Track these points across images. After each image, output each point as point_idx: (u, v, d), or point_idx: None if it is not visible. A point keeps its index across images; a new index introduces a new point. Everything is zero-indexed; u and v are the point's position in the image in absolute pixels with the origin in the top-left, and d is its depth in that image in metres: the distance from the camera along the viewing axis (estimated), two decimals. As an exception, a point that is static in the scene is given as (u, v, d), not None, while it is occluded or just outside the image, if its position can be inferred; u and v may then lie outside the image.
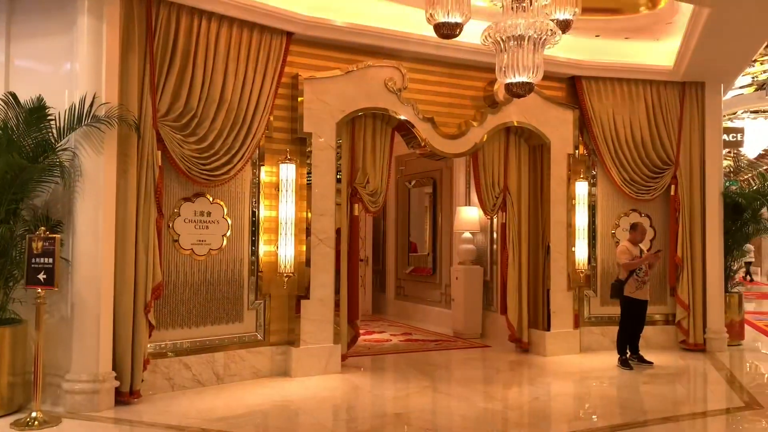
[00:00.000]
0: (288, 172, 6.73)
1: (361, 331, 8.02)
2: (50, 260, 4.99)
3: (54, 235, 5.08)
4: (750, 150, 15.23)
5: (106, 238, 5.44)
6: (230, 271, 6.52)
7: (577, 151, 8.32)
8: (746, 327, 9.30)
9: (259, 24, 6.41)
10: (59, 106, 5.35)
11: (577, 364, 7.64)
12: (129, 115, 5.55)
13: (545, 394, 6.49)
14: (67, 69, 5.57)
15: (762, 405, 5.91)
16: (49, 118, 5.34)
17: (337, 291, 6.90)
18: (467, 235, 9.68)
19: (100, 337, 5.36)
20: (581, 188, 8.37)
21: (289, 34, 6.65)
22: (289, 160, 6.74)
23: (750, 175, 20.16)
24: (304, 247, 6.81)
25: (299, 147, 6.87)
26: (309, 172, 6.83)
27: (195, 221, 6.31)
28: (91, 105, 5.33)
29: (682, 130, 8.50)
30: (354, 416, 5.65)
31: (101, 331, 5.37)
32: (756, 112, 13.99)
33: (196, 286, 6.31)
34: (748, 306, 10.67)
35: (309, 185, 6.82)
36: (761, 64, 10.80)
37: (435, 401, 6.20)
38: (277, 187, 6.74)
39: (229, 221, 6.52)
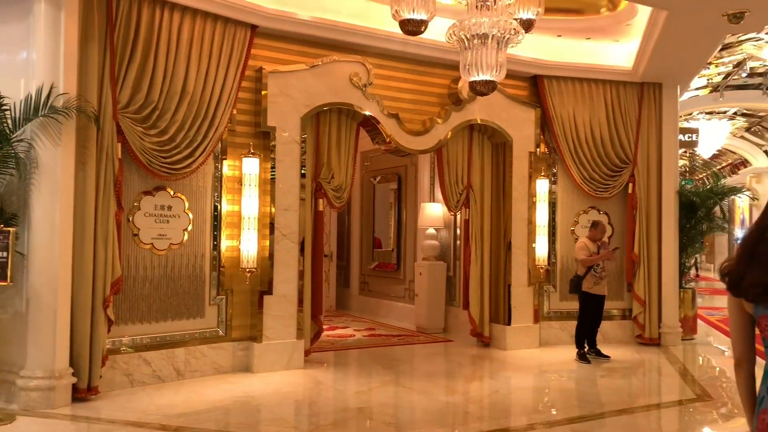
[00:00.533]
0: (251, 166, 6.68)
1: (324, 327, 8.02)
2: (4, 254, 4.87)
3: (8, 229, 4.95)
4: (704, 150, 15.67)
5: (63, 231, 5.32)
6: (191, 266, 6.45)
7: (538, 150, 8.45)
8: (699, 322, 9.59)
9: (223, 16, 6.34)
10: (15, 95, 5.21)
11: (536, 358, 7.79)
12: (88, 106, 5.43)
13: (505, 387, 6.60)
14: (24, 58, 5.42)
15: (712, 397, 6.12)
16: (4, 108, 5.19)
17: (300, 286, 6.89)
18: (431, 231, 9.75)
19: (56, 332, 5.25)
20: (542, 186, 8.51)
21: (253, 27, 6.60)
22: (252, 154, 6.69)
23: (704, 174, 20.79)
24: (267, 243, 6.77)
25: (263, 141, 6.83)
26: (273, 167, 6.79)
27: (155, 215, 6.22)
28: (49, 95, 5.20)
29: (640, 129, 8.71)
30: (316, 411, 5.66)
31: (58, 327, 5.26)
32: (711, 113, 14.39)
33: (157, 281, 6.22)
34: (701, 301, 10.99)
35: (273, 180, 6.78)
36: (716, 66, 11.12)
37: (397, 395, 6.25)
38: (240, 181, 6.69)
39: (191, 215, 6.44)
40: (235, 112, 6.58)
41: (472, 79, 5.51)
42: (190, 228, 6.43)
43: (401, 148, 7.66)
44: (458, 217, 9.15)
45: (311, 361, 7.10)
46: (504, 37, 5.29)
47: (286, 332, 6.77)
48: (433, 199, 9.97)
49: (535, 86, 8.54)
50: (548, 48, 8.21)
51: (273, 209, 6.77)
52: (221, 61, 6.35)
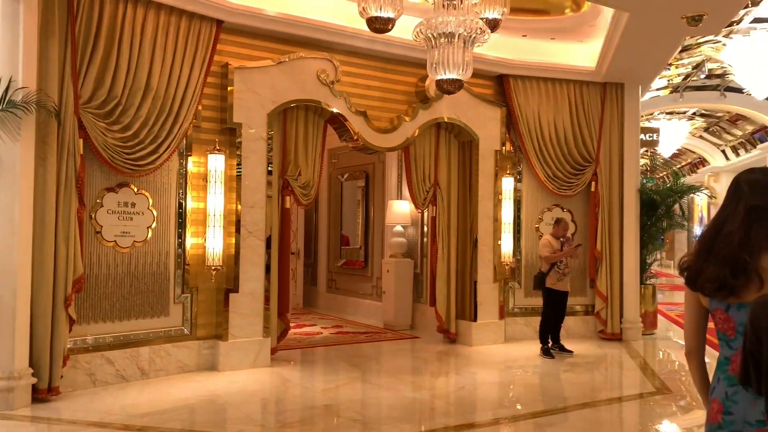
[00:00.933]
0: (217, 162, 6.62)
1: (291, 325, 8.00)
2: (-40, 252, 4.73)
3: (-35, 226, 4.81)
4: (665, 149, 16.04)
5: (23, 228, 5.20)
6: (156, 263, 6.36)
7: (504, 148, 8.55)
8: (659, 317, 9.84)
9: (188, 11, 6.27)
10: (-29, 89, 5.07)
11: (502, 354, 7.89)
12: (48, 100, 5.32)
13: (471, 383, 6.67)
14: (-20, 50, 5.28)
15: (671, 390, 6.28)
16: (-40, 101, 5.05)
17: (267, 284, 6.85)
18: (399, 228, 9.79)
19: (15, 332, 5.12)
20: (507, 184, 8.62)
21: (219, 22, 6.53)
22: (218, 150, 6.62)
23: (665, 173, 21.28)
24: (233, 240, 6.72)
25: (229, 137, 6.77)
26: (239, 164, 6.74)
27: (118, 212, 6.12)
28: (7, 89, 5.08)
29: (603, 129, 8.88)
30: (283, 409, 5.64)
31: (17, 326, 5.14)
32: (671, 113, 14.74)
33: (120, 279, 6.12)
34: (661, 297, 11.27)
35: (239, 177, 6.73)
36: (676, 68, 11.38)
37: (364, 392, 6.27)
38: (205, 178, 6.62)
39: (155, 213, 6.35)
40: (200, 108, 6.51)
41: (439, 77, 5.55)
42: (154, 225, 6.34)
43: (369, 146, 7.68)
44: (425, 214, 9.21)
45: (278, 359, 7.07)
46: (470, 37, 5.34)
47: (252, 330, 6.73)
48: (400, 196, 10.01)
49: (501, 85, 8.64)
50: (514, 48, 8.31)
51: (239, 206, 6.72)
52: (186, 56, 6.28)
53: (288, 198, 7.20)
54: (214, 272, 6.58)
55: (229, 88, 6.68)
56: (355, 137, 7.50)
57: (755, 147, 14.87)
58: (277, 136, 7.07)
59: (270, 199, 6.92)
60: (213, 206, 6.61)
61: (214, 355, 6.61)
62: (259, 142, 6.83)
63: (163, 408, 5.36)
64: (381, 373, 7.20)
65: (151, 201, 6.33)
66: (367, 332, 9.26)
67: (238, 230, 6.72)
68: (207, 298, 6.66)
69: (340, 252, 11.53)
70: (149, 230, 6.31)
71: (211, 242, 6.58)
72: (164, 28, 6.13)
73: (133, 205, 6.22)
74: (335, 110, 7.26)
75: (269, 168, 6.92)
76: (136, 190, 6.23)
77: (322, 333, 9.17)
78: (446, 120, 8.15)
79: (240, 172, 6.73)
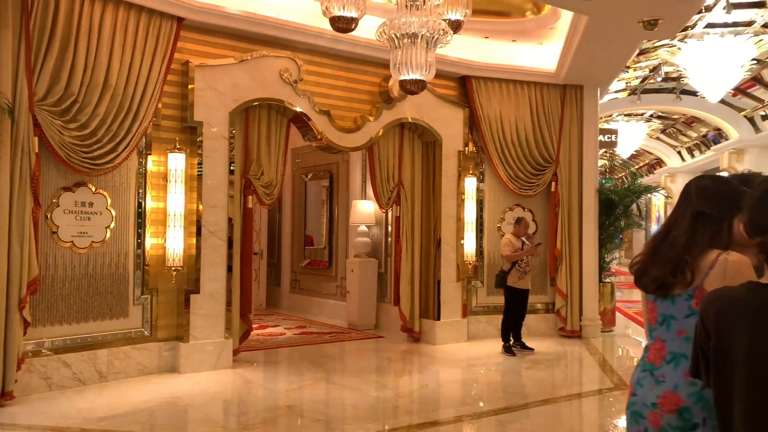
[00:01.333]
0: (177, 162, 6.52)
1: (254, 326, 7.93)
2: None
3: None
4: (623, 150, 16.41)
5: (-27, 229, 5.04)
6: (114, 264, 6.24)
7: (466, 148, 8.64)
8: (617, 314, 10.05)
9: (147, 7, 6.16)
10: None
11: (464, 352, 7.97)
12: (1, 97, 5.16)
13: (434, 381, 6.72)
14: (-72, 45, 5.10)
15: (629, 385, 6.42)
16: None
17: (229, 285, 6.79)
18: (363, 228, 9.80)
19: (-34, 336, 4.97)
20: (470, 184, 8.71)
21: (180, 20, 6.44)
22: (178, 149, 6.53)
23: (623, 173, 21.75)
24: (194, 240, 6.63)
25: (189, 136, 6.68)
26: (200, 163, 6.65)
27: (75, 212, 5.98)
28: (-43, 85, 4.92)
29: (563, 130, 9.04)
30: (245, 410, 5.59)
31: (-32, 330, 4.98)
32: (629, 115, 15.07)
33: (77, 280, 5.98)
34: (620, 295, 11.52)
35: (200, 176, 6.65)
36: (634, 70, 11.65)
37: (328, 392, 6.26)
38: (165, 177, 6.52)
39: (113, 212, 6.23)
40: (160, 106, 6.41)
41: (402, 77, 5.59)
42: (112, 225, 6.22)
43: (333, 146, 7.66)
44: (389, 214, 9.23)
45: (240, 361, 7.01)
46: (433, 37, 5.39)
47: (214, 331, 6.66)
48: (364, 196, 10.02)
49: (464, 86, 8.72)
50: (476, 49, 8.40)
51: (200, 206, 6.64)
52: (146, 53, 6.17)
53: (250, 198, 7.14)
54: (174, 273, 6.49)
55: (189, 86, 6.60)
56: (319, 137, 7.48)
57: (709, 148, 15.31)
58: (239, 135, 7.00)
59: (232, 198, 6.86)
60: (173, 206, 6.51)
61: (175, 356, 6.52)
62: (220, 141, 6.75)
63: (122, 411, 5.26)
64: (345, 373, 7.20)
65: (109, 201, 6.20)
66: (331, 332, 9.24)
67: (199, 230, 6.63)
68: (167, 299, 6.56)
69: (304, 252, 11.48)
70: (108, 230, 6.19)
71: (171, 242, 6.48)
72: (123, 25, 6.02)
73: (91, 204, 6.09)
74: (298, 109, 7.23)
75: (231, 167, 6.85)
76: (94, 189, 6.10)
77: (285, 334, 9.12)
78: (410, 120, 8.19)
79: (201, 171, 6.65)
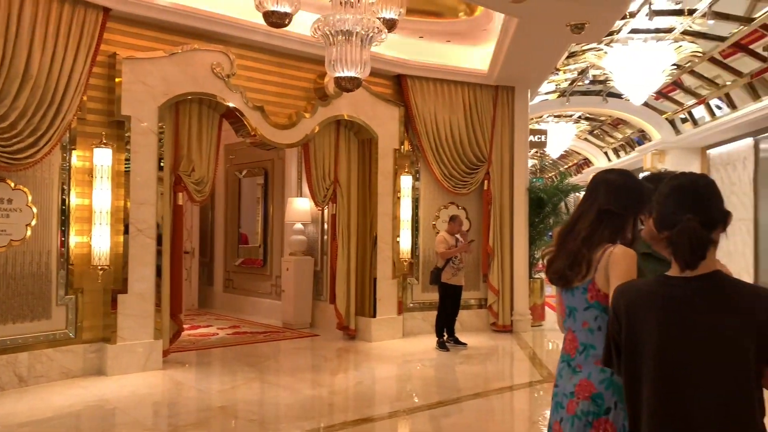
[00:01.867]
0: (103, 157, 6.29)
1: (185, 326, 7.75)
2: None
3: None
4: (553, 150, 16.90)
5: None
6: (36, 263, 5.96)
7: (402, 147, 8.71)
8: (546, 309, 10.36)
9: (72, -4, 5.92)
10: None
11: (400, 348, 8.03)
12: None
13: (369, 378, 6.75)
14: None
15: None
16: None
17: (158, 284, 6.60)
18: (299, 226, 9.72)
19: None
20: (406, 182, 8.79)
21: (106, 10, 6.21)
22: (104, 144, 6.30)
23: (553, 173, 22.41)
24: (121, 239, 6.41)
25: (117, 131, 6.45)
26: (127, 159, 6.44)
27: (-7, 209, 5.69)
28: None
29: (495, 130, 9.24)
30: (176, 412, 5.45)
31: None
32: (559, 116, 15.53)
33: (-6, 280, 5.69)
34: (549, 290, 11.88)
35: (127, 172, 6.44)
36: (563, 73, 12.01)
37: (262, 392, 6.19)
38: (90, 173, 6.28)
39: (34, 209, 5.95)
40: (85, 98, 6.17)
41: (337, 75, 5.57)
42: (33, 223, 5.94)
43: (267, 142, 7.57)
44: (326, 212, 9.20)
45: (171, 362, 6.83)
46: (368, 35, 5.40)
47: (142, 332, 6.46)
48: (300, 193, 9.94)
49: (399, 85, 8.78)
50: (411, 48, 8.48)
51: (128, 203, 6.43)
52: (69, 44, 5.92)
53: (181, 194, 6.96)
54: (100, 272, 6.26)
55: (117, 80, 6.37)
56: (253, 133, 7.37)
57: (633, 149, 15.96)
58: (169, 130, 6.82)
59: (161, 195, 6.67)
60: (99, 203, 6.28)
61: (102, 358, 6.29)
62: (149, 136, 6.56)
63: (45, 416, 5.04)
64: (279, 372, 7.13)
65: (30, 197, 5.92)
66: (266, 332, 9.13)
67: (126, 228, 6.42)
68: (93, 299, 6.32)
69: (237, 250, 11.29)
70: (28, 228, 5.90)
71: (97, 241, 6.25)
72: (45, 14, 5.75)
73: (10, 201, 5.79)
74: (231, 105, 7.10)
75: (161, 163, 6.66)
76: (13, 185, 5.81)
77: (218, 334, 8.94)
78: (346, 118, 8.18)
79: (129, 167, 6.44)
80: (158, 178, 6.63)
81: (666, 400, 1.64)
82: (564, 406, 2.20)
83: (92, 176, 6.27)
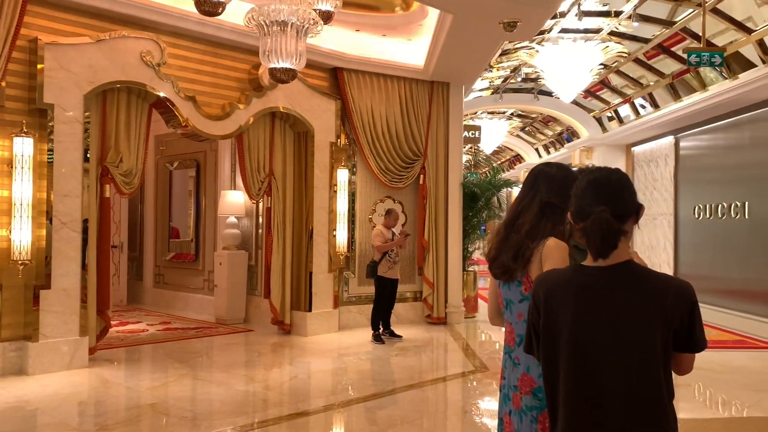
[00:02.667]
0: (24, 146, 5.99)
1: (113, 322, 7.50)
2: None
3: None
4: (486, 146, 17.23)
5: None
6: (-51, 258, 5.63)
7: (339, 140, 8.68)
8: (480, 301, 10.57)
9: (-12, -25, 5.59)
10: None
11: (335, 342, 8.03)
12: None
13: (304, 372, 6.71)
14: None
15: (489, 368, 6.80)
16: None
17: (83, 280, 6.35)
18: (232, 219, 9.55)
19: None
20: (342, 175, 8.77)
21: (27, -8, 5.91)
22: (25, 133, 6.00)
23: (486, 168, 22.87)
24: (44, 232, 6.13)
25: (39, 119, 6.16)
26: (51, 149, 6.16)
27: None
28: None
29: (430, 125, 9.35)
30: (103, 411, 5.27)
31: None
32: (492, 113, 15.86)
33: None
34: (482, 283, 12.12)
35: (50, 163, 6.16)
36: (497, 70, 12.26)
37: (194, 388, 6.05)
38: (10, 163, 5.97)
39: (-52, 201, 5.62)
40: (4, 84, 5.85)
41: (272, 65, 5.50)
42: (-54, 215, 5.60)
43: (199, 133, 7.39)
44: (260, 205, 9.08)
45: (98, 359, 6.60)
46: (303, 26, 5.35)
47: (66, 329, 6.21)
48: (234, 186, 9.77)
49: (336, 78, 8.75)
50: (348, 41, 8.45)
51: (51, 195, 6.15)
52: (-14, 26, 5.60)
53: (108, 186, 6.71)
54: (21, 267, 5.97)
55: (38, 66, 6.08)
56: (184, 123, 7.18)
57: (563, 146, 16.47)
58: (95, 120, 6.56)
59: (87, 187, 6.41)
60: (19, 194, 5.98)
61: (23, 357, 6.01)
62: (74, 125, 6.29)
63: (-42, 420, 4.77)
64: (212, 368, 6.99)
65: (-59, 188, 5.58)
66: (198, 327, 8.93)
67: (50, 221, 6.14)
68: (13, 295, 6.02)
69: (168, 245, 10.99)
70: (-60, 221, 5.57)
71: (17, 234, 5.96)
72: (-42, -7, 5.42)
73: None
74: (161, 94, 6.89)
75: (86, 154, 6.40)
76: None
77: (148, 330, 8.69)
78: (282, 110, 8.09)
79: (52, 157, 6.16)
80: (84, 170, 6.37)
81: (580, 383, 1.71)
82: (511, 399, 2.24)
83: (12, 167, 5.96)
